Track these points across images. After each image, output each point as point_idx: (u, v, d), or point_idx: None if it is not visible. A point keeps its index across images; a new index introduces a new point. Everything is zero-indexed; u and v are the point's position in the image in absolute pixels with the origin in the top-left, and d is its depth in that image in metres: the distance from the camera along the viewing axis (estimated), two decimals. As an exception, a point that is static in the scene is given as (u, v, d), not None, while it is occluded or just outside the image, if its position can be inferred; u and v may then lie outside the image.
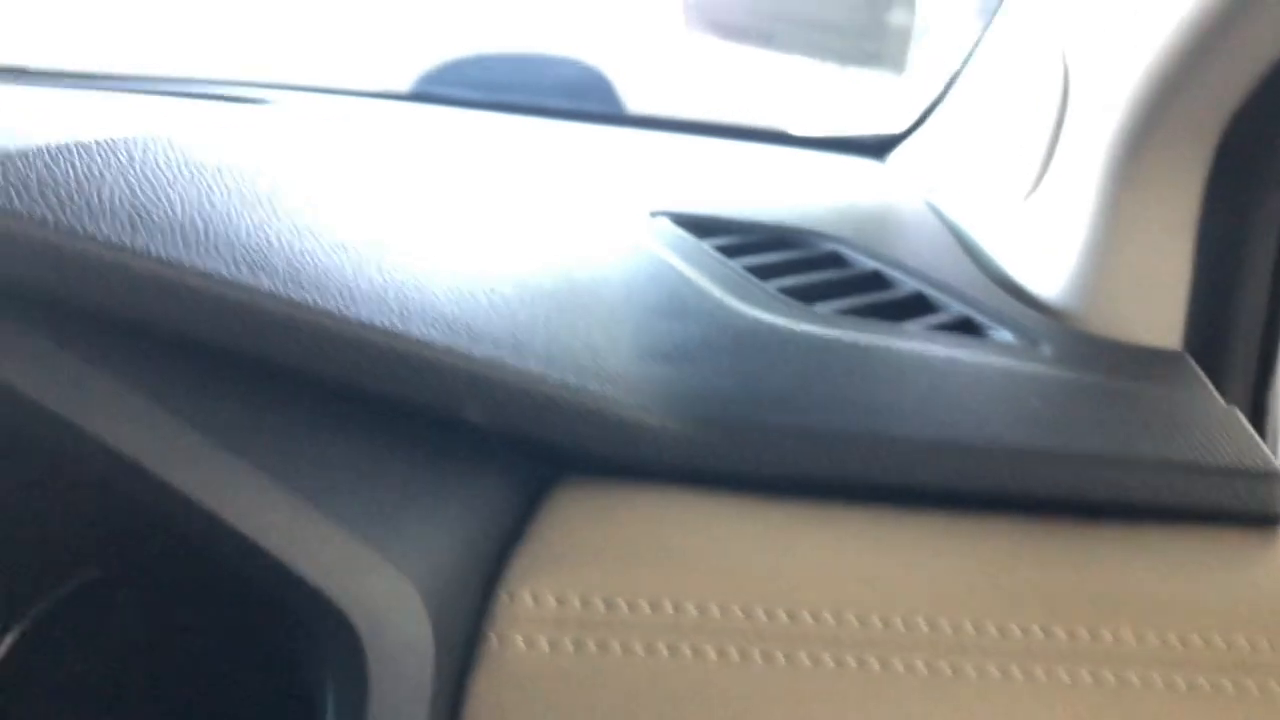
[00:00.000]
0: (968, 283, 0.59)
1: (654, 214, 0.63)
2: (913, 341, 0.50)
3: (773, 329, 0.49)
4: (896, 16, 0.74)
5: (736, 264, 0.58)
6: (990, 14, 0.75)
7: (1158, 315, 0.56)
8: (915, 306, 0.57)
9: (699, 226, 0.63)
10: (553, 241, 0.55)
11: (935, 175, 0.80)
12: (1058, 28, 0.58)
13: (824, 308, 0.54)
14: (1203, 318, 0.56)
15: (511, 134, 0.86)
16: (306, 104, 0.90)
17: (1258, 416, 0.57)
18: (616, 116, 1.06)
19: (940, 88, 0.86)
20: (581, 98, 3.00)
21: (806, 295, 0.55)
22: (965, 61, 0.79)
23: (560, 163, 0.75)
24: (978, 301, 0.56)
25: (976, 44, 0.76)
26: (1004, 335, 0.53)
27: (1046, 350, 0.51)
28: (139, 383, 0.33)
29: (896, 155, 0.95)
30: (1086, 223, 0.55)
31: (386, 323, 0.37)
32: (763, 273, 0.57)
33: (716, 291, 0.53)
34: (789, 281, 0.56)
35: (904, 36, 0.76)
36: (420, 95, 1.11)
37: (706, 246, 0.59)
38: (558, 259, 0.52)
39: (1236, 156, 0.53)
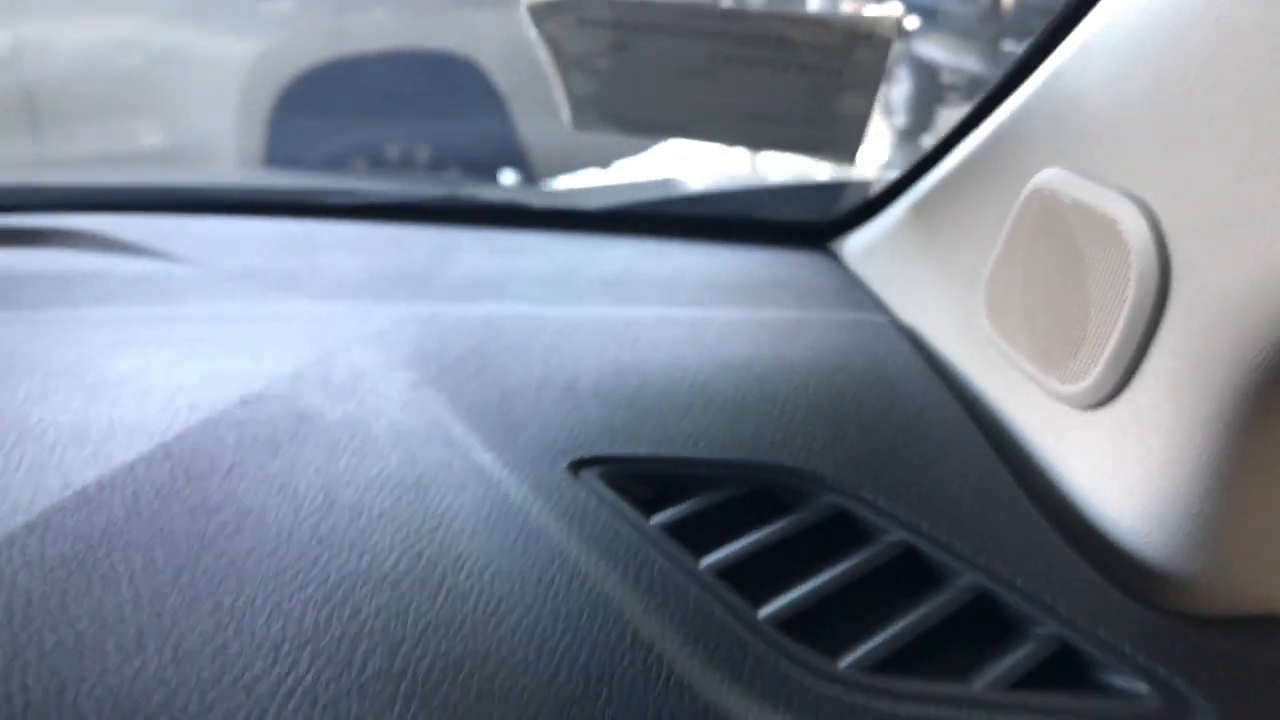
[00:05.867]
0: (1027, 531, 0.42)
1: (575, 464, 0.43)
2: None
3: None
4: (848, 102, 0.55)
5: (705, 568, 0.38)
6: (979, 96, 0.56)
7: None
8: (984, 620, 0.38)
9: (639, 481, 0.43)
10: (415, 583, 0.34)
11: (911, 298, 0.62)
12: (1134, 174, 0.40)
13: (851, 662, 0.35)
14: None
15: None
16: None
17: None
18: (507, 209, 0.84)
19: (902, 173, 0.68)
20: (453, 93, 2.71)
21: (816, 632, 0.36)
22: (941, 150, 0.60)
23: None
24: (1068, 609, 0.38)
25: (961, 133, 0.58)
26: (1135, 687, 0.35)
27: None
28: None
29: (845, 247, 0.76)
30: (1200, 463, 0.38)
31: None
32: (745, 579, 0.38)
33: (689, 674, 0.33)
34: (786, 603, 0.37)
35: (859, 124, 0.57)
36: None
37: (654, 533, 0.39)
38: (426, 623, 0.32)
39: None
